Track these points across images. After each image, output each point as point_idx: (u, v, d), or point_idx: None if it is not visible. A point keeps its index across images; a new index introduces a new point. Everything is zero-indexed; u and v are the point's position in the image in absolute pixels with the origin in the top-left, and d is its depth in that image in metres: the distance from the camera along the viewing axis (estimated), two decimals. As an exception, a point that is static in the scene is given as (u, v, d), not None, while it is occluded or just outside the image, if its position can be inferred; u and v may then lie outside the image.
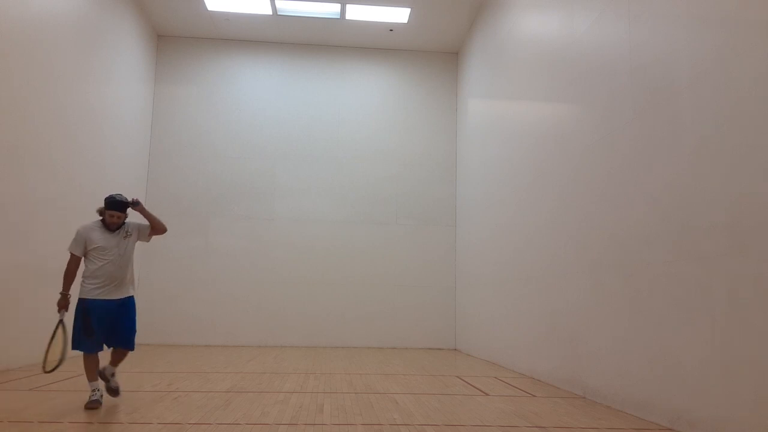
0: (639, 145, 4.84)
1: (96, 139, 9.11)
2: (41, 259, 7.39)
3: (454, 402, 5.34)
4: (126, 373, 6.22)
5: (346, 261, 11.49)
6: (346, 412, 4.67)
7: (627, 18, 5.15)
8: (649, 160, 4.69)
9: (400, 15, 10.83)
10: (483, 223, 9.79)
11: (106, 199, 4.76)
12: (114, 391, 4.87)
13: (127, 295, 4.82)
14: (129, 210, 4.84)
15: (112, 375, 4.88)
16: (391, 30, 11.40)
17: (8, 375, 6.28)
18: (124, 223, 4.84)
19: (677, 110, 4.34)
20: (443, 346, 11.39)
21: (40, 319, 7.32)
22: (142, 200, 5.14)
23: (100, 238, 4.70)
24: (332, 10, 10.73)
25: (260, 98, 11.89)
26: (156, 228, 4.96)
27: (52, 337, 4.57)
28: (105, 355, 4.87)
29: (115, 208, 4.70)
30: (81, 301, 4.65)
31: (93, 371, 4.70)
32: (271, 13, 10.82)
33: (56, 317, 4.64)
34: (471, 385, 6.44)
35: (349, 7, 10.58)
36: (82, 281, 4.70)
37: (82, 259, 4.74)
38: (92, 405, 4.55)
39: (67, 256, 4.73)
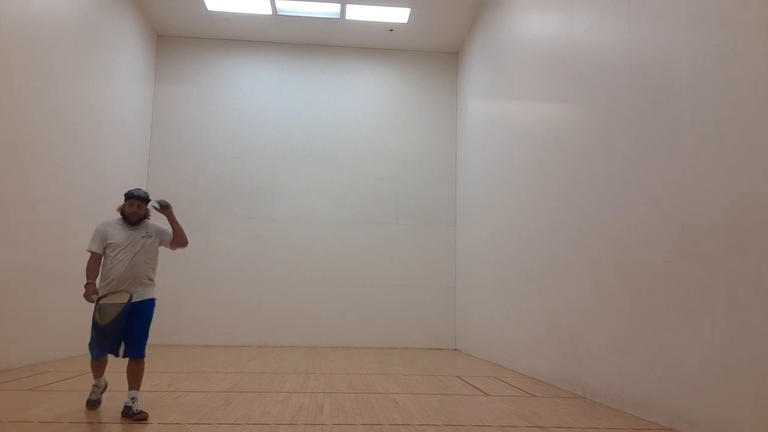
0: (639, 145, 4.84)
1: (96, 139, 9.11)
2: (41, 259, 7.39)
3: (454, 402, 5.34)
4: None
5: (346, 261, 11.49)
6: (346, 412, 4.67)
7: (627, 18, 5.15)
8: (649, 160, 4.69)
9: (400, 15, 10.83)
10: (483, 223, 9.79)
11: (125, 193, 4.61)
12: (139, 416, 4.19)
13: (141, 299, 4.47)
14: (156, 213, 4.66)
15: (133, 400, 4.27)
16: (391, 30, 11.40)
17: (8, 375, 6.28)
18: (145, 220, 4.62)
19: (677, 110, 4.34)
20: (443, 346, 11.39)
21: (40, 319, 7.34)
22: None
23: (116, 234, 4.47)
24: (332, 10, 10.73)
25: (260, 98, 11.89)
26: (178, 238, 4.71)
27: (111, 301, 4.31)
28: (112, 367, 4.84)
29: (134, 196, 4.52)
30: (96, 303, 4.39)
31: (99, 370, 4.56)
32: (271, 13, 10.82)
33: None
34: (471, 385, 6.44)
35: (349, 7, 10.58)
36: (99, 282, 4.47)
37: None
38: (91, 406, 4.48)
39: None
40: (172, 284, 10.99)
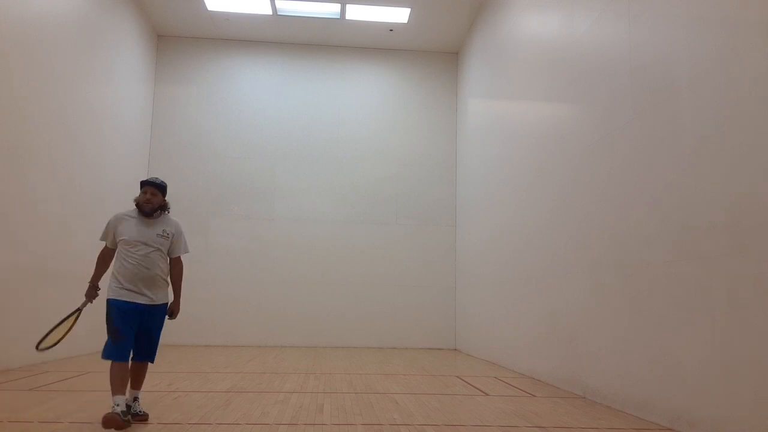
0: (639, 145, 4.84)
1: (96, 139, 9.11)
2: (41, 259, 7.39)
3: (454, 402, 5.34)
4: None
5: (346, 261, 11.50)
6: (346, 412, 4.67)
7: (627, 18, 5.15)
8: (649, 160, 4.68)
9: (400, 15, 10.83)
10: (483, 223, 9.79)
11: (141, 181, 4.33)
12: (140, 417, 4.09)
13: (158, 303, 4.18)
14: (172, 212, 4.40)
15: (135, 399, 4.15)
16: (391, 30, 11.40)
17: (8, 375, 6.28)
18: (165, 214, 4.30)
19: (677, 110, 4.34)
20: (443, 346, 11.39)
21: (40, 319, 7.31)
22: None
23: (129, 229, 4.11)
24: (332, 10, 10.73)
25: (260, 98, 11.89)
26: (176, 276, 4.38)
27: (62, 320, 4.10)
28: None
29: (149, 183, 4.21)
30: (107, 302, 4.07)
31: (119, 383, 3.88)
32: (271, 13, 10.82)
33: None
34: (471, 385, 6.43)
35: (349, 7, 10.58)
36: (110, 279, 4.15)
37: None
38: (109, 420, 3.65)
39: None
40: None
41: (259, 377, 6.63)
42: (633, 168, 4.92)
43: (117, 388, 3.86)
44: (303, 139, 11.82)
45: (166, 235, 4.23)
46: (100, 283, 4.29)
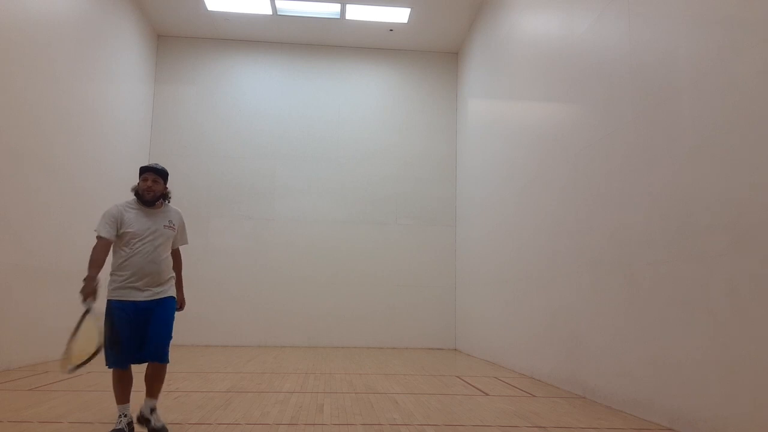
0: (639, 145, 4.84)
1: (96, 139, 9.11)
2: (41, 259, 7.39)
3: (454, 402, 5.34)
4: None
5: (346, 261, 11.49)
6: (346, 412, 4.67)
7: (627, 18, 5.15)
8: (648, 159, 4.69)
9: (400, 15, 10.83)
10: (483, 223, 9.79)
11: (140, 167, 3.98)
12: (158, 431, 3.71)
13: (163, 296, 3.84)
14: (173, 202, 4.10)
15: (152, 411, 3.74)
16: (391, 30, 11.40)
17: (8, 375, 6.28)
18: (166, 204, 3.97)
19: (677, 110, 4.35)
20: (443, 346, 11.39)
21: (40, 319, 7.34)
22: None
23: (134, 221, 3.75)
24: (332, 10, 10.73)
25: (260, 98, 11.89)
26: (179, 268, 4.14)
27: (75, 331, 3.43)
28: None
29: (149, 169, 3.86)
30: (107, 304, 3.73)
31: (122, 391, 3.71)
32: (271, 13, 10.82)
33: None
34: (471, 385, 6.43)
35: (349, 7, 10.58)
36: (109, 277, 3.78)
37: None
38: None
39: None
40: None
41: (259, 377, 6.64)
42: (633, 168, 4.92)
43: (120, 397, 3.70)
44: (303, 139, 11.82)
45: (172, 225, 3.93)
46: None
